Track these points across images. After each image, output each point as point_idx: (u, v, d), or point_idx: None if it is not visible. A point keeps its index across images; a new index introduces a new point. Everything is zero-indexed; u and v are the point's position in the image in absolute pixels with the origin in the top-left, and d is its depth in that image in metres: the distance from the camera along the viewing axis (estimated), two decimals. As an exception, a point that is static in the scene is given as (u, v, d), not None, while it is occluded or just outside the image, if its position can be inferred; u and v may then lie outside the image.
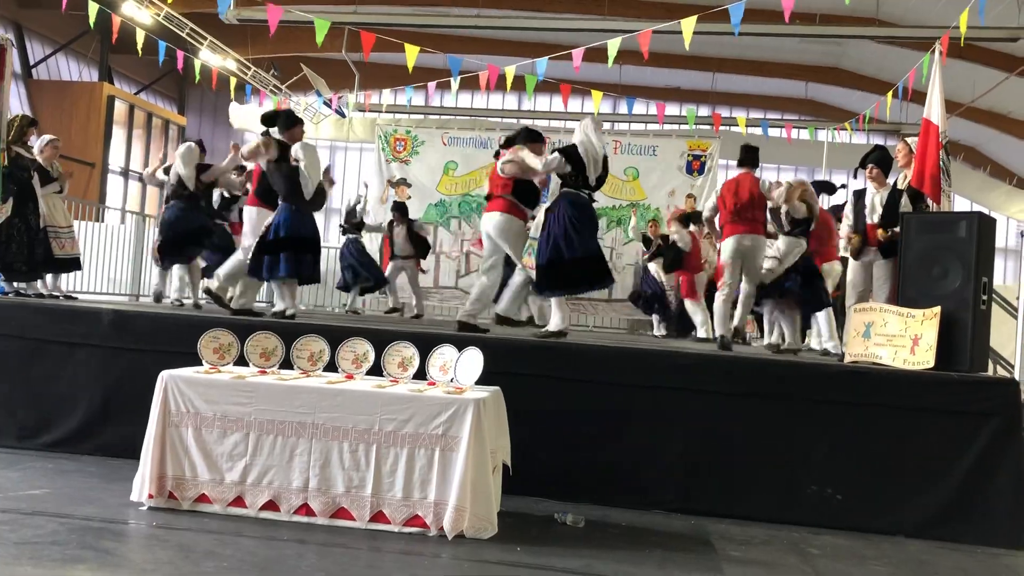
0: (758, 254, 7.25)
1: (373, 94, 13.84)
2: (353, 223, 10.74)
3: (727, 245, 7.19)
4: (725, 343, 6.91)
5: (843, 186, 8.64)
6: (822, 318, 7.85)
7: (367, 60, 10.20)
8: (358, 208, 10.80)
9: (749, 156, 7.36)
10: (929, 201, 6.22)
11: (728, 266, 7.19)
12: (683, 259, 10.13)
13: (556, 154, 6.35)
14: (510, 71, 9.92)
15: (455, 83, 10.12)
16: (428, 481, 4.19)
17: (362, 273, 10.61)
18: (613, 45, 8.42)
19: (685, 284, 10.16)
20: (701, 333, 9.90)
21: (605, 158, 6.45)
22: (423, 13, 16.40)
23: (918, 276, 5.60)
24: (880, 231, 6.28)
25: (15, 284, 7.56)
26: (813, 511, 5.07)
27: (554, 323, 6.44)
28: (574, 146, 6.33)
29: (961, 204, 19.37)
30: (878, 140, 18.11)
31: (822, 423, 5.17)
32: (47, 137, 8.21)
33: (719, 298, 7.30)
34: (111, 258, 11.57)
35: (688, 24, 7.71)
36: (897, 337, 5.46)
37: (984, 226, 5.51)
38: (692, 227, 10.26)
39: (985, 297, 5.45)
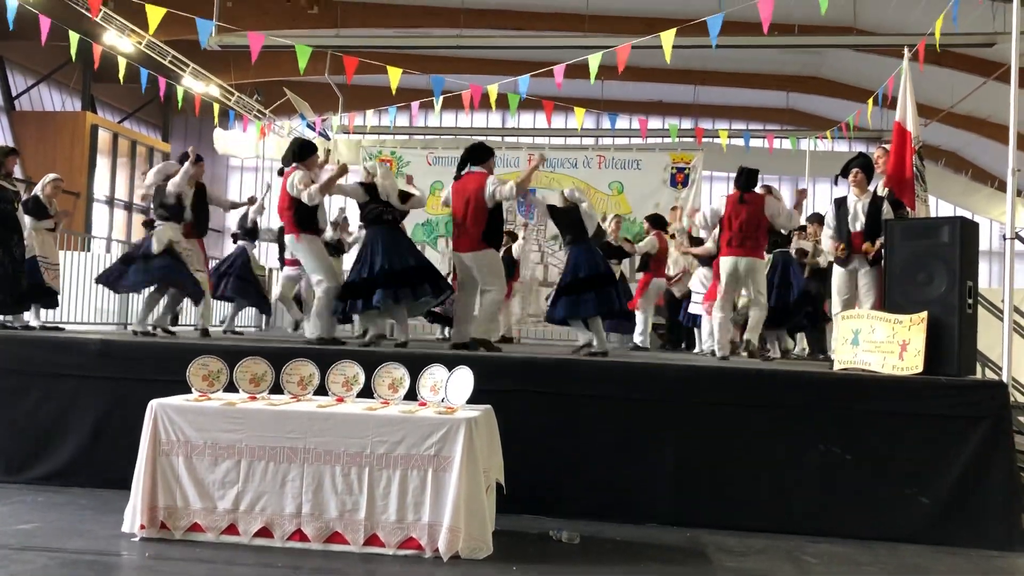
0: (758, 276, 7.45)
1: (357, 116, 13.87)
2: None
3: (725, 265, 7.34)
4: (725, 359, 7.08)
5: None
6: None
7: (350, 83, 10.20)
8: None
9: (751, 179, 7.48)
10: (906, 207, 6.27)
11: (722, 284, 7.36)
12: (648, 261, 10.07)
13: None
14: (493, 90, 9.96)
15: (438, 103, 10.15)
16: (422, 503, 4.18)
17: None
18: (594, 61, 8.47)
19: (640, 286, 10.11)
20: (638, 340, 9.98)
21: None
22: (405, 35, 16.50)
23: (904, 282, 5.64)
24: (867, 244, 6.33)
25: (1, 316, 7.51)
26: (808, 519, 5.08)
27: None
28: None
29: (944, 209, 19.57)
30: (860, 147, 18.23)
31: (813, 431, 5.18)
32: (51, 176, 8.31)
33: (718, 316, 7.39)
34: (98, 288, 11.51)
35: (667, 37, 7.76)
36: (885, 343, 5.48)
37: (967, 230, 5.56)
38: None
39: (971, 301, 5.49)
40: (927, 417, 5.10)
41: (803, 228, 9.40)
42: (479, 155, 6.91)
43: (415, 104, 12.15)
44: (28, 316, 7.83)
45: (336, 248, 10.42)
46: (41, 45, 9.52)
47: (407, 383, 4.66)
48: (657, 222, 10.31)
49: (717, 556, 4.52)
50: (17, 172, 7.94)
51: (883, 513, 5.03)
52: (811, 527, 5.04)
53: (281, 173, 7.17)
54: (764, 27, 7.23)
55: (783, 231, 8.38)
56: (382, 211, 6.95)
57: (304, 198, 6.56)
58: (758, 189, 7.55)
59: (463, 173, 6.93)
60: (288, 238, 6.96)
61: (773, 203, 7.40)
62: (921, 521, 4.99)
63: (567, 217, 7.11)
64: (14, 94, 19.43)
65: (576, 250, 7.01)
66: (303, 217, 6.72)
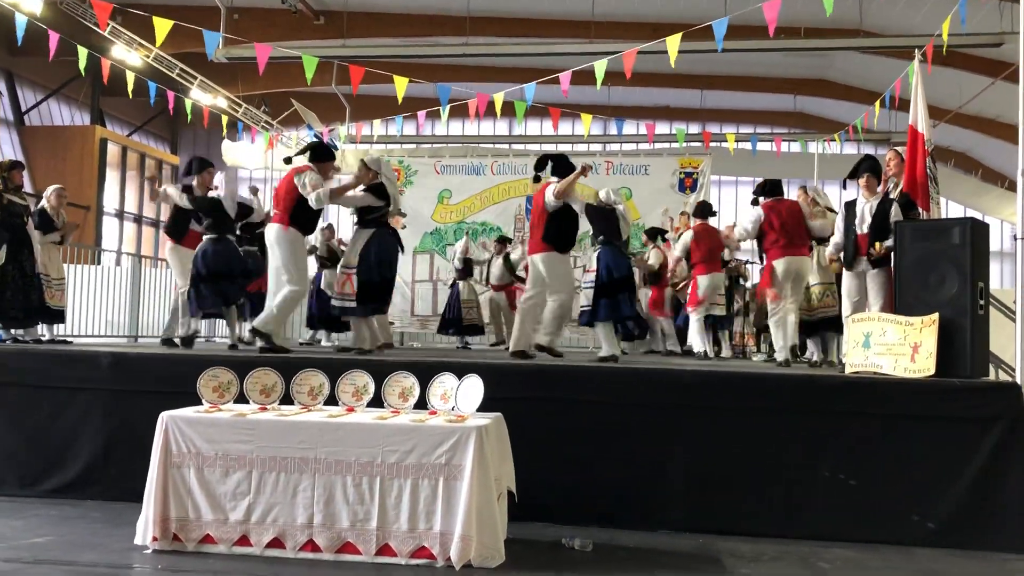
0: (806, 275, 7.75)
1: (364, 126, 13.91)
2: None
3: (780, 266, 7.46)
4: (787, 362, 7.29)
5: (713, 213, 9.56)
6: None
7: (356, 93, 10.23)
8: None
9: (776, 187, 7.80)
10: (919, 209, 6.24)
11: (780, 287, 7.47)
12: (658, 275, 10.35)
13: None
14: (499, 97, 9.97)
15: (445, 112, 10.17)
16: (433, 511, 4.17)
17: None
18: (600, 67, 8.47)
19: (653, 298, 10.33)
20: (671, 346, 10.21)
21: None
22: (411, 44, 16.54)
23: (914, 284, 5.61)
24: (877, 245, 6.31)
25: (12, 331, 7.55)
26: (822, 524, 5.04)
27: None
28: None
29: (955, 210, 19.49)
30: (868, 150, 18.19)
31: (826, 435, 5.15)
32: (54, 187, 8.32)
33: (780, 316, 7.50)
34: (109, 300, 11.57)
35: (673, 43, 7.77)
36: (896, 346, 5.45)
37: (978, 231, 5.52)
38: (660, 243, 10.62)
39: (982, 302, 5.45)
40: (940, 420, 5.06)
41: None
42: (541, 166, 7.24)
43: (422, 113, 12.18)
44: (40, 330, 7.87)
45: (330, 259, 10.37)
46: (50, 60, 9.59)
47: (417, 392, 4.66)
48: (654, 235, 10.74)
49: (730, 562, 4.50)
50: (28, 186, 7.94)
51: (897, 517, 4.99)
52: (825, 532, 5.00)
53: (288, 162, 7.20)
54: (770, 30, 7.22)
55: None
56: (386, 213, 7.00)
57: (312, 200, 6.57)
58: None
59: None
60: (275, 228, 6.76)
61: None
62: (936, 525, 4.95)
63: (604, 218, 7.32)
64: (24, 109, 19.56)
65: (609, 251, 7.22)
66: (300, 213, 6.71)
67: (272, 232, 6.80)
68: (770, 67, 19.84)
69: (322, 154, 6.96)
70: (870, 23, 15.68)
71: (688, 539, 4.96)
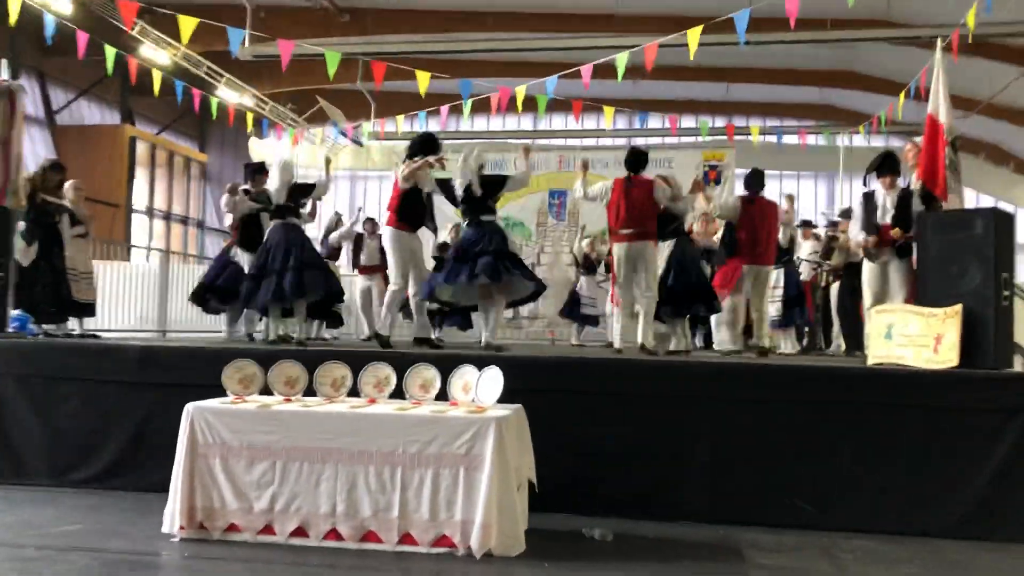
0: None
1: (388, 122, 13.98)
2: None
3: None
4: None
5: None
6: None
7: (380, 89, 10.30)
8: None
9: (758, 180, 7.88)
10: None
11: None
12: None
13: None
14: (521, 91, 10.00)
15: (467, 106, 10.22)
16: (454, 501, 4.21)
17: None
18: (621, 60, 8.48)
19: None
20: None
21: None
22: (434, 40, 16.58)
23: (937, 275, 5.57)
24: (895, 231, 6.26)
25: (43, 326, 7.70)
26: (844, 515, 5.03)
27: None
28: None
29: (987, 202, 19.21)
30: (896, 142, 18.00)
31: (848, 426, 5.13)
32: (70, 182, 8.38)
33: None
34: (139, 295, 11.75)
35: (693, 35, 7.76)
36: (919, 337, 5.42)
37: (1002, 222, 5.48)
38: None
39: (1007, 293, 5.40)
40: (963, 411, 5.03)
41: (835, 224, 9.34)
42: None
43: (444, 108, 12.23)
44: (70, 324, 8.02)
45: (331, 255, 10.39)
46: (79, 60, 9.74)
47: (438, 383, 4.71)
48: None
49: (751, 553, 4.50)
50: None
51: (920, 508, 4.97)
52: (846, 523, 4.99)
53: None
54: (791, 23, 7.20)
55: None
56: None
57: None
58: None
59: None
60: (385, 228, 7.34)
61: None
62: (959, 516, 4.92)
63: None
64: (55, 109, 19.85)
65: (679, 247, 7.63)
66: (403, 209, 7.22)
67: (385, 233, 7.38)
68: (796, 59, 19.64)
69: (423, 146, 7.35)
70: (897, 13, 15.48)
71: (709, 530, 4.96)
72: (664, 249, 7.61)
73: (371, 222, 11.00)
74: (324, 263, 7.92)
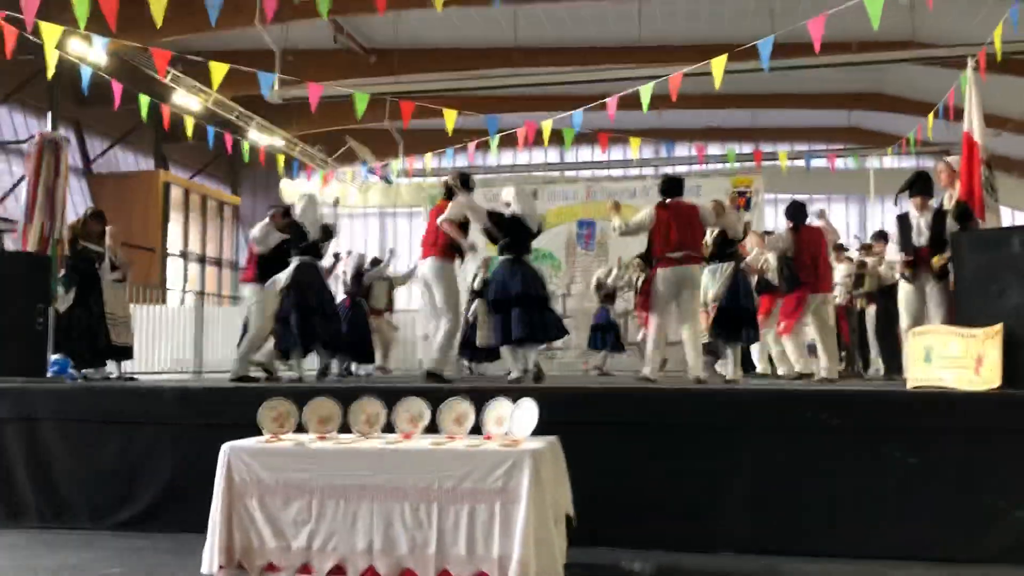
0: None
1: (417, 159, 14.11)
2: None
3: None
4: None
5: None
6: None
7: (408, 127, 10.43)
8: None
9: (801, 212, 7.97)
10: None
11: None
12: None
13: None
14: (547, 125, 10.06)
15: (494, 142, 10.29)
16: (491, 536, 4.17)
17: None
18: (645, 91, 8.51)
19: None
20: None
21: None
22: (458, 77, 16.77)
23: (975, 295, 5.48)
24: (935, 259, 6.20)
25: (82, 371, 7.81)
26: (890, 542, 4.92)
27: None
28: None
29: (1022, 220, 18.92)
30: (927, 163, 17.84)
31: (892, 451, 5.02)
32: (108, 227, 8.55)
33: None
34: (175, 337, 11.90)
35: (718, 64, 7.77)
36: (960, 358, 5.32)
37: (1040, 239, 5.39)
38: None
39: (1049, 311, 5.30)
40: (1009, 432, 4.91)
41: (868, 247, 9.24)
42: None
43: (472, 144, 12.33)
44: (109, 367, 8.13)
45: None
46: (114, 109, 9.97)
47: (472, 417, 4.68)
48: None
49: (795, 583, 4.41)
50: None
51: (967, 534, 4.85)
52: (892, 550, 4.87)
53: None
54: (816, 47, 7.18)
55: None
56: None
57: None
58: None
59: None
60: (428, 260, 7.35)
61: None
62: (1011, 540, 4.79)
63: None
64: (91, 157, 20.28)
65: (738, 270, 7.69)
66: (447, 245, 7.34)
67: (425, 265, 7.31)
68: (823, 83, 19.61)
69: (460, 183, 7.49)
70: (924, 34, 15.44)
71: (752, 560, 4.87)
72: (716, 271, 7.75)
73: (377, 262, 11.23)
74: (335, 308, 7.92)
